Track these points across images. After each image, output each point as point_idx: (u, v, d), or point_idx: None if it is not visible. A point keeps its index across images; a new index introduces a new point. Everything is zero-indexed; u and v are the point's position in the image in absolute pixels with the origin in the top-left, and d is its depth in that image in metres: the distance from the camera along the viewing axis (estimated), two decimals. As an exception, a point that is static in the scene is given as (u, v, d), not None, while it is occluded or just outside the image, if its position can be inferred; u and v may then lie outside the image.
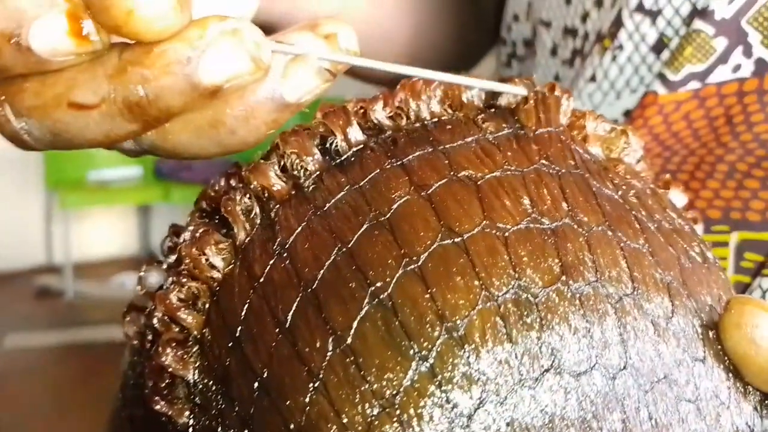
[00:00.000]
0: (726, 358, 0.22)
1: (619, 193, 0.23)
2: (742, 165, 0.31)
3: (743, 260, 0.30)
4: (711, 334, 0.22)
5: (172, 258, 0.25)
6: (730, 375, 0.22)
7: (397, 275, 0.20)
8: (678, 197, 0.27)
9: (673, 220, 0.24)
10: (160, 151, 0.22)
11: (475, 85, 0.24)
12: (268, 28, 0.41)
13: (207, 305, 0.23)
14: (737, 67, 0.32)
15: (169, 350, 0.23)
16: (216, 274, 0.23)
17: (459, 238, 0.21)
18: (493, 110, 0.25)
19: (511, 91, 0.25)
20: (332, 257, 0.21)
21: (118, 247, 3.34)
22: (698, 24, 0.32)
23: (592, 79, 0.36)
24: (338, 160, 0.24)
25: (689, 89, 0.33)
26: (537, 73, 0.41)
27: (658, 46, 0.34)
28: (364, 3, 0.44)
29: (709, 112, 0.33)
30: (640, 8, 0.34)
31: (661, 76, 0.34)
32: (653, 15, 0.34)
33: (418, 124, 0.24)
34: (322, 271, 0.21)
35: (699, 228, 0.28)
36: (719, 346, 0.22)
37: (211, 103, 0.21)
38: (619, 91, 0.36)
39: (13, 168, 3.09)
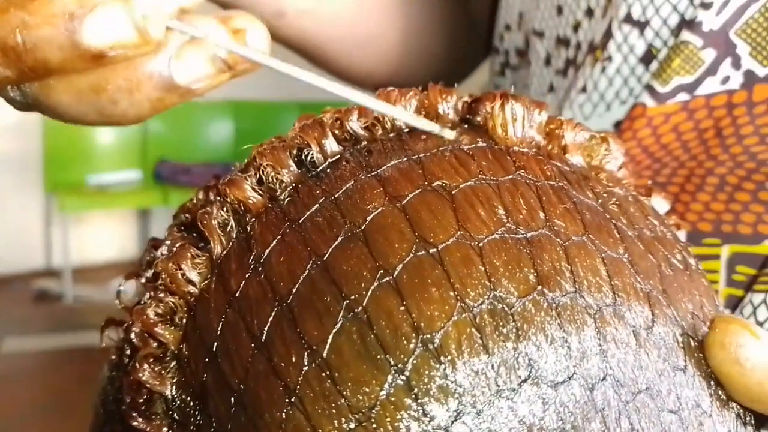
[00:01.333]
0: (706, 366, 0.22)
1: (599, 201, 0.23)
2: (732, 178, 0.31)
3: (735, 273, 0.29)
4: (692, 342, 0.22)
5: (150, 272, 0.25)
6: (712, 383, 0.21)
7: (372, 287, 0.20)
8: (660, 204, 0.27)
9: (655, 228, 0.24)
10: (42, 107, 0.22)
11: (394, 115, 0.24)
12: (228, 8, 0.39)
13: (184, 320, 0.23)
14: (726, 79, 0.32)
15: (146, 366, 0.22)
16: (193, 289, 0.23)
17: (434, 249, 0.20)
18: (466, 125, 0.24)
19: (442, 134, 0.24)
20: (307, 271, 0.21)
21: (116, 250, 3.33)
22: (686, 35, 0.32)
23: (583, 89, 0.36)
24: (314, 172, 0.23)
25: (678, 101, 0.33)
26: (532, 83, 0.41)
27: (647, 58, 0.34)
28: (343, 5, 0.43)
29: (698, 124, 0.32)
30: (628, 19, 0.34)
31: (650, 88, 0.33)
32: (641, 26, 0.34)
33: (393, 134, 0.24)
34: (296, 285, 0.21)
35: (681, 234, 0.27)
36: (700, 354, 0.22)
37: (96, 68, 0.20)
38: (609, 102, 0.35)
39: (12, 171, 3.08)
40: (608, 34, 0.35)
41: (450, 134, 0.24)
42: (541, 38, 0.40)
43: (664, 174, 0.32)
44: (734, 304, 0.29)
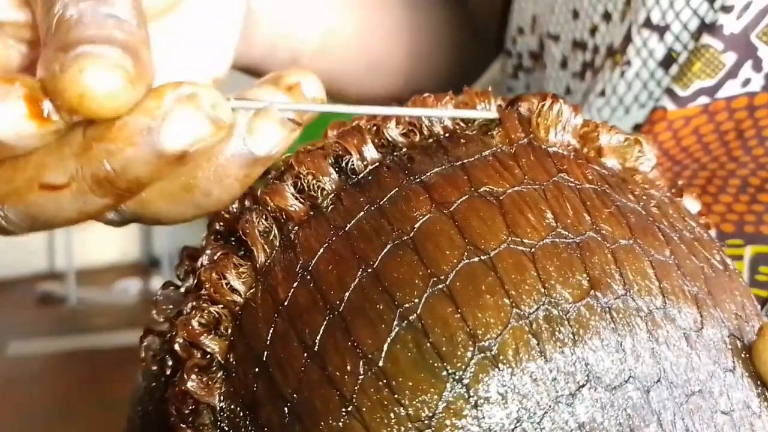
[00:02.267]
0: (752, 366, 0.21)
1: (641, 204, 0.23)
2: (754, 179, 0.30)
3: (758, 274, 0.29)
4: (738, 343, 0.21)
5: (190, 282, 0.24)
6: (759, 384, 0.21)
7: (425, 295, 0.19)
8: (692, 204, 0.26)
9: (693, 229, 0.24)
10: (142, 219, 0.22)
11: (444, 115, 0.24)
12: (251, 72, 0.40)
13: (229, 330, 0.22)
14: (747, 82, 0.32)
15: (193, 376, 0.22)
16: (237, 298, 0.22)
17: (485, 256, 0.20)
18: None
19: (482, 116, 0.24)
20: (357, 279, 0.20)
21: (120, 253, 3.32)
22: (706, 39, 0.32)
23: (602, 93, 0.35)
24: (355, 179, 0.23)
25: (698, 104, 0.32)
26: (548, 85, 0.41)
27: (667, 61, 0.33)
28: (349, 35, 0.42)
29: (719, 126, 0.32)
30: (647, 24, 0.33)
31: (670, 92, 0.33)
32: (661, 30, 0.33)
33: (431, 140, 0.24)
34: (347, 294, 0.20)
35: (712, 233, 0.27)
36: (747, 355, 0.21)
37: (182, 168, 0.21)
38: (628, 106, 0.35)
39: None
40: (628, 39, 0.34)
41: (492, 114, 0.24)
42: (557, 41, 0.40)
43: (685, 176, 0.32)
44: (760, 304, 0.29)
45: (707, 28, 0.32)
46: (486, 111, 0.24)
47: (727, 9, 0.31)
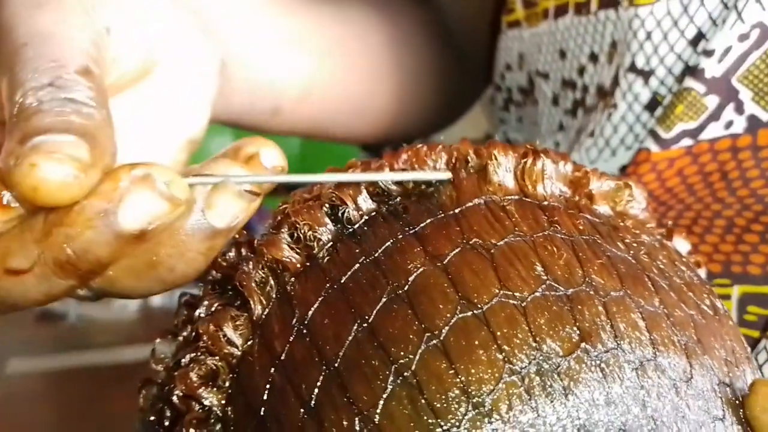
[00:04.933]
0: (741, 411, 0.21)
1: (631, 253, 0.23)
2: (740, 220, 0.30)
3: (746, 314, 0.29)
4: (728, 390, 0.21)
5: (187, 332, 0.24)
6: (748, 430, 0.21)
7: (420, 351, 0.19)
8: (681, 245, 0.27)
9: (683, 274, 0.24)
10: (111, 295, 0.23)
11: (399, 179, 0.23)
12: (234, 126, 0.39)
13: (227, 382, 0.22)
14: (729, 124, 0.32)
15: (192, 430, 0.22)
16: (235, 351, 0.22)
17: (478, 310, 0.20)
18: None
19: (434, 178, 0.23)
20: (353, 334, 0.20)
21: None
22: (689, 82, 0.32)
23: (591, 134, 0.35)
24: (350, 230, 0.23)
25: (682, 146, 0.32)
26: (542, 121, 0.40)
27: (652, 105, 0.34)
28: (331, 82, 0.42)
29: (702, 167, 0.32)
30: (632, 68, 0.33)
31: (654, 134, 0.33)
32: (645, 75, 0.33)
33: (424, 186, 0.24)
34: (343, 349, 0.20)
35: (702, 272, 0.27)
36: (736, 401, 0.21)
37: (143, 246, 0.21)
38: (614, 148, 0.35)
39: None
40: (615, 82, 0.34)
41: (444, 175, 0.23)
42: (546, 79, 0.40)
43: (670, 216, 0.32)
44: (749, 345, 0.29)
45: (690, 71, 0.32)
46: (435, 172, 0.23)
47: (708, 53, 0.31)
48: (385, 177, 0.23)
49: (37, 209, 0.20)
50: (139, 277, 0.22)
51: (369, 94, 0.44)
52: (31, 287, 0.20)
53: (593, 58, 0.36)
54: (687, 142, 0.32)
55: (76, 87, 0.21)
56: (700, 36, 0.32)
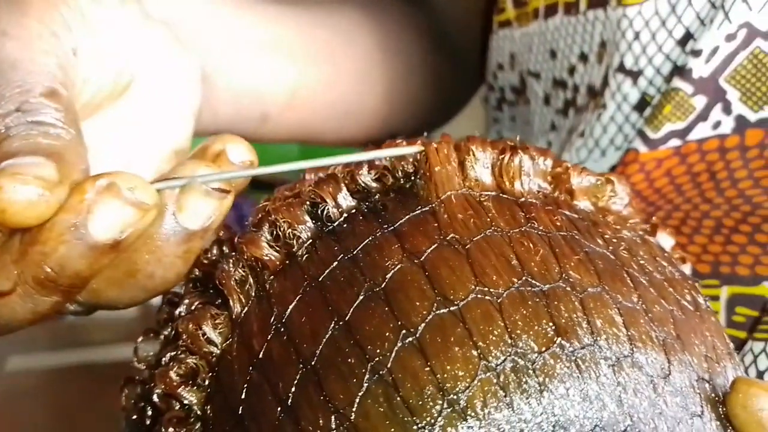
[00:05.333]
0: (720, 408, 0.21)
1: (610, 248, 0.23)
2: (728, 220, 0.30)
3: (735, 314, 0.29)
4: (707, 386, 0.21)
5: (168, 331, 0.24)
6: (728, 426, 0.21)
7: (396, 348, 0.19)
8: (665, 240, 0.27)
9: (664, 269, 0.24)
10: (100, 307, 0.23)
11: (371, 157, 0.23)
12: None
13: (207, 381, 0.22)
14: (717, 124, 0.32)
15: (171, 428, 0.22)
16: (214, 350, 0.22)
17: (455, 307, 0.20)
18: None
19: (408, 152, 0.23)
20: (330, 332, 0.20)
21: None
22: (677, 82, 0.32)
23: (581, 134, 0.35)
24: (330, 227, 0.23)
25: (670, 147, 0.32)
26: (534, 120, 0.40)
27: (641, 105, 0.33)
28: (318, 87, 0.42)
29: (691, 168, 0.32)
30: (621, 68, 0.33)
31: (642, 134, 0.33)
32: (634, 75, 0.33)
33: (404, 181, 0.24)
34: (320, 347, 0.20)
35: (687, 268, 0.27)
36: (715, 398, 0.21)
37: (121, 255, 0.21)
38: (604, 149, 0.35)
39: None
40: (605, 82, 0.34)
41: (415, 148, 0.23)
42: (538, 79, 0.39)
43: (659, 217, 0.32)
44: (736, 346, 0.28)
45: (678, 71, 0.32)
46: (407, 147, 0.23)
47: (696, 53, 0.31)
48: (356, 158, 0.23)
49: (13, 231, 0.20)
50: (121, 286, 0.22)
51: (358, 96, 0.44)
52: (18, 307, 0.21)
53: (583, 57, 0.36)
54: (675, 142, 0.32)
55: (43, 110, 0.21)
56: (688, 36, 0.32)
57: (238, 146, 0.23)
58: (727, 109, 0.31)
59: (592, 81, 0.35)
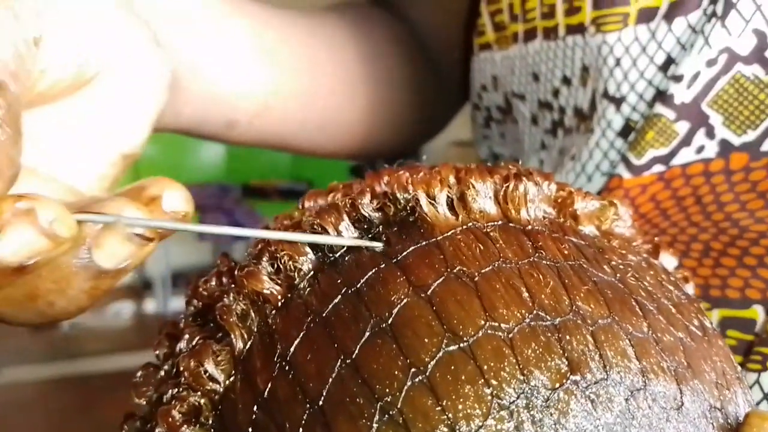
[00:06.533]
0: None
1: (618, 276, 0.22)
2: (716, 243, 0.30)
3: (727, 338, 0.28)
4: (719, 415, 0.21)
5: (168, 366, 0.24)
6: None
7: (406, 387, 0.19)
8: (668, 261, 0.26)
9: (671, 294, 0.23)
10: None
11: (321, 242, 0.22)
12: (186, 134, 0.38)
13: (210, 419, 0.21)
14: (701, 149, 0.31)
15: (174, 469, 0.21)
16: (217, 387, 0.21)
17: (464, 344, 0.19)
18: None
19: (367, 244, 0.22)
20: (336, 370, 0.20)
21: (109, 275, 3.26)
22: (659, 108, 0.31)
23: (572, 158, 0.35)
24: (332, 258, 0.22)
25: (654, 172, 0.32)
26: (524, 140, 0.40)
27: (626, 131, 0.33)
28: (295, 94, 0.40)
29: (675, 192, 0.32)
30: (605, 94, 0.33)
31: (625, 160, 0.32)
32: (617, 102, 0.33)
33: (404, 213, 0.23)
34: (327, 386, 0.19)
35: (689, 287, 0.27)
36: (727, 425, 0.21)
37: (24, 277, 0.20)
38: (590, 174, 0.34)
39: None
40: (593, 106, 0.34)
41: (376, 245, 0.22)
42: (523, 100, 0.39)
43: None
44: None
45: (660, 96, 0.31)
46: (369, 241, 0.22)
47: (677, 78, 0.31)
48: (301, 239, 0.22)
49: None
50: (19, 307, 0.21)
51: (339, 107, 0.43)
52: None
53: (566, 81, 0.35)
54: (659, 168, 0.32)
55: None
56: (669, 61, 0.31)
57: (176, 195, 0.22)
58: (710, 134, 0.31)
59: (578, 103, 0.35)
